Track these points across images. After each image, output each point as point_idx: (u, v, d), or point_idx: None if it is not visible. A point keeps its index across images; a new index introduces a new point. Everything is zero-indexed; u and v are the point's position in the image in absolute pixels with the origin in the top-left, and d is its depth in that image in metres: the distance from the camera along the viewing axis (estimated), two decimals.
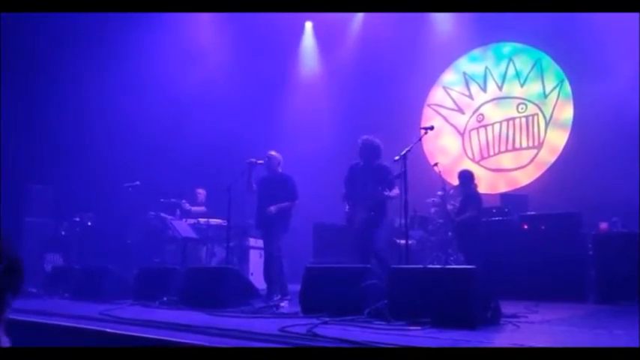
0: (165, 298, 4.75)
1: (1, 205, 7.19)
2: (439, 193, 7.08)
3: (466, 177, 6.27)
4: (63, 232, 7.82)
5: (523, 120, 8.42)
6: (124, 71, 8.28)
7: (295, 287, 4.45)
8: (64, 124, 7.94)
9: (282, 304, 4.81)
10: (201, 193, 7.82)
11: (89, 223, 7.87)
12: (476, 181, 6.36)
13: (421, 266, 5.56)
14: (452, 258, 6.67)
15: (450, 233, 6.73)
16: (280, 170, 5.71)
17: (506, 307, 3.62)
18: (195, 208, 7.46)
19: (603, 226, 5.75)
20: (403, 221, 4.64)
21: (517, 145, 8.44)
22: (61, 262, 7.43)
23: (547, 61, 8.28)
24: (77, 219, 7.89)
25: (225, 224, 5.94)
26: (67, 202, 8.00)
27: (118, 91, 8.19)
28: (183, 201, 7.60)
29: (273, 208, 5.41)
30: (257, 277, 6.62)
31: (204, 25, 9.48)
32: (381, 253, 4.92)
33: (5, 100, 7.62)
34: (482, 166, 8.60)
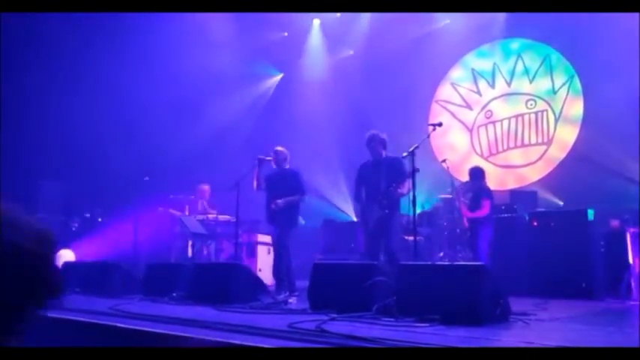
0: (174, 294, 4.77)
1: (13, 201, 7.27)
2: (449, 189, 7.08)
3: (478, 173, 6.29)
4: (73, 228, 7.89)
5: (532, 116, 8.35)
6: (133, 68, 8.32)
7: (304, 283, 4.46)
8: (75, 120, 8.00)
9: (290, 300, 4.82)
10: (206, 189, 7.84)
11: (99, 219, 7.93)
12: (486, 178, 6.37)
13: (430, 263, 5.56)
14: (460, 255, 6.65)
15: (458, 230, 6.71)
16: (287, 165, 5.72)
17: (516, 305, 3.60)
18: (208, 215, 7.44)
19: (614, 223, 5.69)
20: (411, 218, 4.63)
21: (526, 141, 8.37)
22: (72, 258, 7.51)
23: (556, 57, 8.19)
24: (87, 215, 7.96)
25: (234, 220, 5.96)
26: (78, 198, 8.07)
27: (127, 87, 8.23)
28: (196, 198, 7.63)
29: (279, 202, 5.42)
30: (265, 273, 6.65)
31: (211, 20, 9.46)
32: (394, 250, 4.91)
33: (16, 96, 7.68)
34: (490, 162, 8.54)
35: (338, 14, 9.69)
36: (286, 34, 10.18)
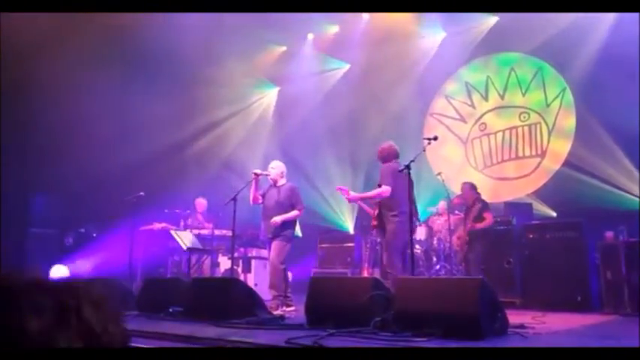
0: (170, 309, 4.73)
1: (7, 215, 7.22)
2: (443, 201, 7.13)
3: (474, 187, 6.46)
4: (68, 243, 7.83)
5: (526, 129, 8.43)
6: (129, 80, 8.30)
7: (301, 297, 4.43)
8: (69, 134, 7.97)
9: (287, 315, 4.79)
10: (202, 202, 7.82)
11: (94, 234, 7.88)
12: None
13: (428, 276, 5.56)
14: (456, 268, 6.66)
15: (455, 243, 6.73)
16: (284, 180, 5.73)
17: (513, 317, 3.60)
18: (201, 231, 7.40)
19: (609, 234, 5.73)
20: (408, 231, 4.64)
21: (520, 153, 8.43)
22: (66, 274, 7.43)
23: (548, 70, 8.30)
24: (82, 230, 7.90)
25: (230, 235, 5.94)
26: (72, 213, 8.02)
27: (123, 100, 8.21)
28: (188, 211, 7.61)
29: (277, 219, 5.42)
30: (261, 288, 6.60)
31: (206, 35, 9.45)
32: (389, 263, 4.92)
33: (10, 109, 7.65)
34: (485, 174, 8.60)
35: (336, 29, 9.76)
36: (285, 48, 10.24)
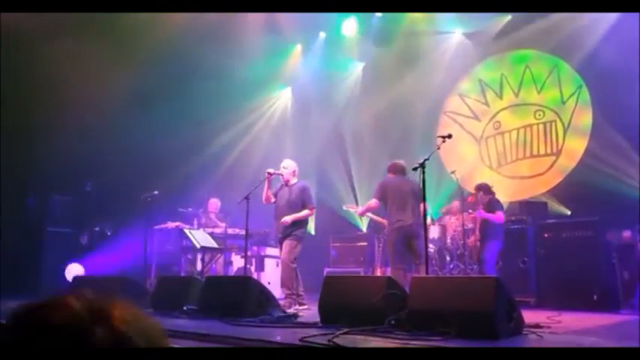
0: (184, 307, 4.77)
1: (24, 215, 7.34)
2: (456, 201, 7.08)
3: (487, 189, 6.41)
4: (83, 242, 7.92)
5: (541, 127, 8.32)
6: (143, 82, 8.37)
7: (314, 296, 4.44)
8: (84, 135, 8.06)
9: (300, 314, 4.80)
10: (215, 202, 7.86)
11: (109, 233, 7.96)
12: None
13: (443, 275, 5.55)
14: (470, 267, 6.61)
15: (468, 241, 6.68)
16: (296, 179, 5.73)
17: (528, 317, 3.57)
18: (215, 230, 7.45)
19: (627, 234, 5.65)
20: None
21: (535, 152, 8.33)
22: (81, 272, 7.53)
23: (564, 67, 8.18)
24: (97, 229, 7.99)
25: (242, 233, 5.97)
26: (87, 212, 8.11)
27: (137, 102, 8.28)
28: (201, 210, 7.67)
29: (288, 219, 5.42)
30: (274, 287, 6.63)
31: (220, 37, 9.50)
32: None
33: (26, 110, 7.76)
34: (499, 173, 8.51)
35: (350, 27, 9.72)
36: (300, 46, 10.22)
